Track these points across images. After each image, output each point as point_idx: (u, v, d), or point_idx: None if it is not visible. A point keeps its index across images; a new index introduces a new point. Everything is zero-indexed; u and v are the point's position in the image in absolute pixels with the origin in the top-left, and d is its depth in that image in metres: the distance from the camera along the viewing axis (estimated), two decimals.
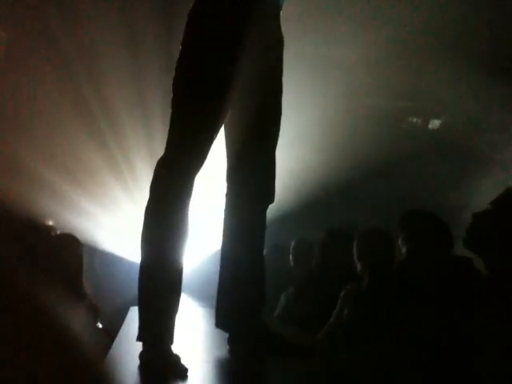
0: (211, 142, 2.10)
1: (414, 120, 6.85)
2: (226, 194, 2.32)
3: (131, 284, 4.13)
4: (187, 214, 2.06)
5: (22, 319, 2.13)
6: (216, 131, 2.12)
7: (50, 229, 3.96)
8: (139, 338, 1.98)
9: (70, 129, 5.34)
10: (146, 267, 2.04)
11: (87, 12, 4.98)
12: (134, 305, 3.27)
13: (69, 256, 3.48)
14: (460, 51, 5.36)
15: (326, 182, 6.11)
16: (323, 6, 4.98)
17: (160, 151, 2.11)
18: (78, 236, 3.69)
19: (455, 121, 6.51)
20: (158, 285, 2.02)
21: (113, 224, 5.30)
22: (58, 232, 4.00)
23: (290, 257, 4.42)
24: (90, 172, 5.44)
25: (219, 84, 2.05)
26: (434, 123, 6.87)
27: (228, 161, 2.29)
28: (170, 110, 2.12)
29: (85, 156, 5.50)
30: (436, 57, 5.66)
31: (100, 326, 3.35)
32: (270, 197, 2.30)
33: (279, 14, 2.26)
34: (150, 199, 2.08)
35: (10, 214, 4.30)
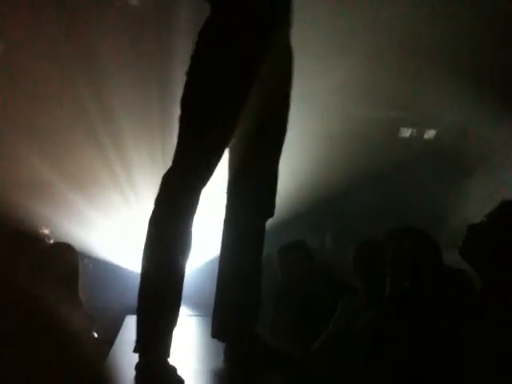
0: (220, 158, 2.11)
1: (409, 130, 6.87)
2: (226, 206, 2.32)
3: (127, 293, 4.13)
4: (191, 228, 2.06)
5: (22, 320, 2.13)
6: (225, 148, 2.12)
7: (45, 237, 3.94)
8: (136, 350, 1.98)
9: (67, 134, 5.33)
10: (147, 279, 2.04)
11: (87, 15, 4.97)
12: (129, 314, 3.27)
13: (64, 265, 3.47)
14: (454, 60, 5.39)
15: (320, 191, 6.12)
16: (317, 16, 5.00)
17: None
18: (73, 244, 3.68)
19: (450, 129, 6.54)
20: (159, 297, 2.01)
21: (109, 232, 5.29)
22: (54, 240, 3.98)
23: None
24: (87, 179, 5.42)
25: (232, 103, 2.04)
26: (430, 133, 6.90)
27: (229, 173, 2.29)
28: (178, 126, 2.10)
29: (81, 163, 5.48)
30: (430, 67, 5.69)
31: (96, 335, 3.34)
32: (269, 210, 2.31)
33: (290, 31, 2.27)
34: (154, 211, 2.07)
35: (3, 221, 4.29)
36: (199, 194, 2.06)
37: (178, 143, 2.08)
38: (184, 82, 2.10)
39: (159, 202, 2.06)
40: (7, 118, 4.90)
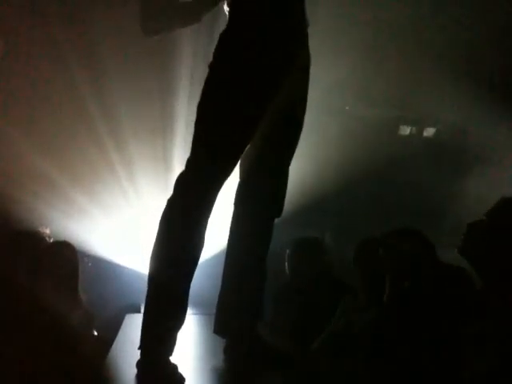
0: (237, 161, 2.12)
1: (409, 127, 6.87)
2: (235, 204, 2.33)
3: (127, 291, 4.14)
4: (204, 231, 2.05)
5: (22, 320, 2.13)
6: (242, 152, 2.12)
7: (45, 236, 3.94)
8: (141, 348, 1.97)
9: (67, 132, 5.32)
10: (157, 279, 2.03)
11: (89, 14, 4.96)
12: (130, 312, 3.28)
13: (64, 264, 3.47)
14: (454, 59, 5.40)
15: (319, 190, 6.12)
16: (315, 13, 5.00)
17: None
18: (73, 243, 3.68)
19: (450, 127, 6.55)
20: (167, 298, 2.01)
21: (109, 231, 5.29)
22: (53, 239, 3.98)
23: (286, 265, 4.43)
24: (87, 177, 5.42)
25: (254, 109, 2.05)
26: (429, 131, 6.90)
27: (240, 172, 2.30)
28: (193, 130, 2.09)
29: (81, 160, 5.47)
30: (430, 65, 5.69)
31: (96, 333, 3.34)
32: (277, 210, 2.32)
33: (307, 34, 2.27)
34: (167, 211, 2.06)
35: (3, 220, 4.29)
36: (215, 197, 2.05)
37: (195, 146, 2.08)
38: (203, 88, 2.09)
39: (173, 202, 2.05)
40: (7, 118, 4.90)
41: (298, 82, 2.25)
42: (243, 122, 2.05)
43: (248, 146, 2.17)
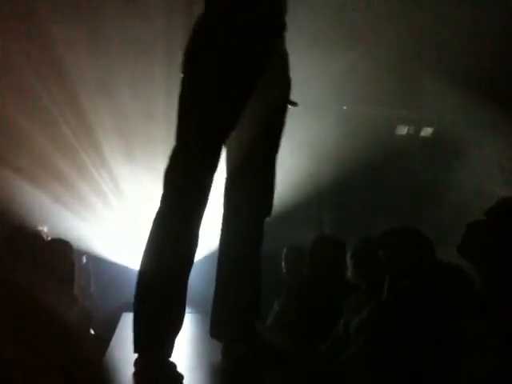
0: (219, 154, 2.09)
1: (406, 127, 6.88)
2: (224, 204, 2.31)
3: (124, 289, 4.13)
4: (198, 228, 2.03)
5: (21, 319, 2.11)
6: (223, 143, 2.10)
7: (41, 234, 3.94)
8: (136, 350, 1.95)
9: (61, 132, 5.31)
10: (148, 277, 2.00)
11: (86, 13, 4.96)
12: (126, 311, 3.26)
13: (60, 261, 3.46)
14: (453, 60, 5.40)
15: (319, 188, 6.11)
16: (317, 11, 4.99)
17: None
18: (70, 241, 3.68)
19: (447, 127, 6.56)
20: (164, 298, 1.98)
21: (105, 229, 5.28)
22: (50, 237, 3.98)
23: (283, 264, 4.42)
24: (83, 176, 5.41)
25: (232, 100, 2.03)
26: (426, 130, 6.91)
27: (227, 171, 2.29)
28: (177, 122, 2.08)
29: (76, 160, 5.47)
30: (429, 66, 5.70)
31: (92, 332, 3.34)
32: (267, 209, 2.30)
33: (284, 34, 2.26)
34: (162, 208, 2.03)
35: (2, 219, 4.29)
36: (207, 191, 2.03)
37: (178, 140, 2.06)
38: (181, 78, 2.09)
39: (167, 199, 2.02)
40: (6, 117, 4.90)
41: (278, 81, 2.24)
42: (223, 110, 2.03)
43: (233, 144, 2.17)
